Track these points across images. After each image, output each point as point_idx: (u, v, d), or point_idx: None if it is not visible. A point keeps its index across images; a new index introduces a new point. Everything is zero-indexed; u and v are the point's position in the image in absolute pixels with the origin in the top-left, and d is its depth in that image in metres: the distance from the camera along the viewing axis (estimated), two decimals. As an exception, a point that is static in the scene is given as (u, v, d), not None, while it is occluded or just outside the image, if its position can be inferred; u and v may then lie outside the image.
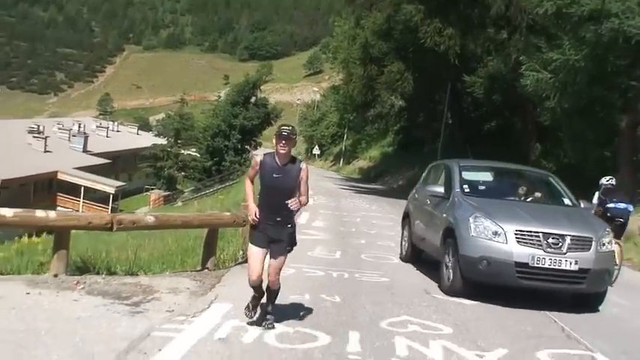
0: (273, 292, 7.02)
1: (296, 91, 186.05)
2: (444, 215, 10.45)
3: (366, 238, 16.32)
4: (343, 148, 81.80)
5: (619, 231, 12.85)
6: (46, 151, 62.87)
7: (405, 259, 12.72)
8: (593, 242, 9.12)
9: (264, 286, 6.97)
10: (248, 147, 66.27)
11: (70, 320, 6.70)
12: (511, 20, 29.69)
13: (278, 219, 6.72)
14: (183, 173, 67.60)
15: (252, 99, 68.40)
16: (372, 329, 7.25)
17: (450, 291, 9.55)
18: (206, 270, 10.11)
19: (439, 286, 9.97)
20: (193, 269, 10.35)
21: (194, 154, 69.34)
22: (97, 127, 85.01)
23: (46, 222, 8.60)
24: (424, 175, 13.61)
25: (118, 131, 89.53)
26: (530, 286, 9.06)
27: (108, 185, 60.50)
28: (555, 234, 9.02)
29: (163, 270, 10.21)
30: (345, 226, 18.78)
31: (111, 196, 59.58)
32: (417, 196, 13.13)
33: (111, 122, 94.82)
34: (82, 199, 58.00)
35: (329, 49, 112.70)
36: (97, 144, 72.99)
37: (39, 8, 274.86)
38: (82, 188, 58.65)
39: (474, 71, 33.18)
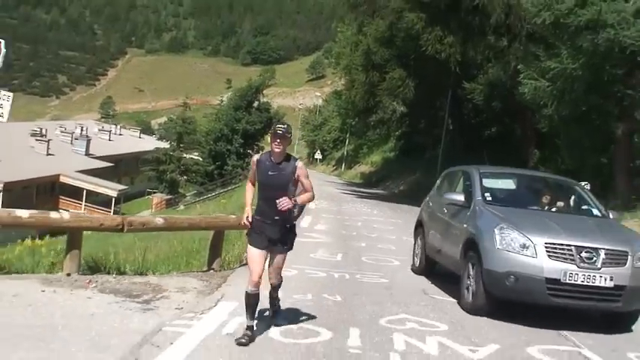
0: (275, 288, 7.33)
1: (298, 95, 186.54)
2: (465, 226, 9.64)
3: (367, 241, 16.63)
4: (345, 153, 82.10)
5: None
6: (48, 154, 63.16)
7: (417, 271, 11.95)
8: (629, 257, 8.41)
9: (264, 292, 7.04)
10: (250, 151, 66.61)
11: (84, 316, 7.07)
12: (511, 28, 30.03)
13: (276, 218, 6.72)
14: (185, 177, 68.01)
15: (255, 103, 68.88)
16: (371, 326, 7.61)
17: (472, 309, 8.79)
18: (212, 270, 10.49)
19: (458, 303, 9.28)
20: (199, 270, 10.73)
21: (196, 158, 69.77)
22: (99, 130, 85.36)
23: (60, 223, 9.00)
24: (438, 182, 12.82)
25: (120, 135, 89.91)
26: (561, 305, 8.37)
27: (110, 189, 60.78)
28: (589, 247, 8.31)
29: (170, 270, 10.59)
30: (346, 229, 19.13)
31: (113, 199, 59.88)
32: (431, 204, 12.33)
33: (113, 126, 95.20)
34: (84, 203, 58.30)
35: (331, 55, 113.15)
36: (100, 147, 73.28)
37: (41, 11, 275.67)
38: (85, 191, 58.93)
39: (474, 78, 33.56)
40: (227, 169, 64.82)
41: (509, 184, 11.13)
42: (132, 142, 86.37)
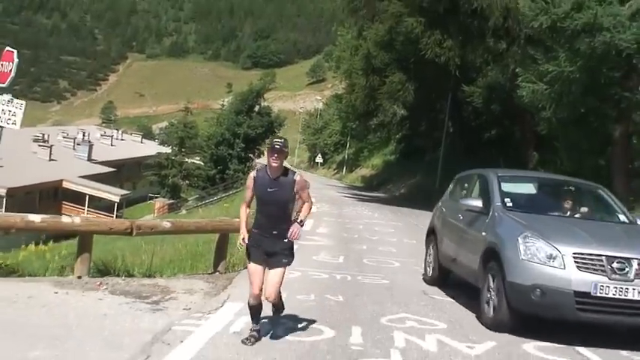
0: (277, 308, 7.17)
1: (299, 99, 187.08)
2: (483, 234, 9.00)
3: (368, 244, 16.90)
4: (346, 156, 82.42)
5: None
6: (50, 160, 63.46)
7: (430, 280, 11.31)
8: None
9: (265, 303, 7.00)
10: (252, 155, 66.99)
11: (97, 316, 7.37)
12: (509, 31, 30.28)
13: (274, 232, 6.70)
14: (187, 181, 68.24)
15: (256, 107, 69.12)
16: (372, 324, 7.89)
17: (493, 324, 8.17)
18: (217, 273, 10.78)
19: (477, 317, 8.68)
20: (205, 272, 11.02)
21: (198, 162, 70.02)
22: (101, 135, 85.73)
23: (71, 227, 9.30)
24: (451, 187, 12.19)
25: (122, 140, 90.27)
26: (590, 320, 7.76)
27: (112, 194, 60.99)
28: (620, 257, 7.71)
29: (177, 273, 10.87)
30: (348, 232, 19.41)
31: (116, 204, 60.11)
32: (444, 210, 11.64)
33: (115, 131, 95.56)
34: (87, 208, 58.55)
35: (332, 58, 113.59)
36: (102, 152, 73.56)
37: (42, 16, 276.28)
38: (87, 197, 59.19)
39: (474, 81, 33.84)
40: (229, 173, 65.05)
41: (529, 188, 10.51)
42: (134, 147, 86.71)
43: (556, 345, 7.64)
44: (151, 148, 79.12)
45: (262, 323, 7.01)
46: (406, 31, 32.03)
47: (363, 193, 47.44)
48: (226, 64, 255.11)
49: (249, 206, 7.01)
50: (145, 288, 9.01)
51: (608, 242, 8.07)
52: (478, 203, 9.57)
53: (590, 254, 7.73)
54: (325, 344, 6.88)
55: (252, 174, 6.88)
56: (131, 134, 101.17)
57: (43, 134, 70.87)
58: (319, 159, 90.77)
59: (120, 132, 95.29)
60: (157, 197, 66.42)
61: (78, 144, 71.95)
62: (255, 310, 6.82)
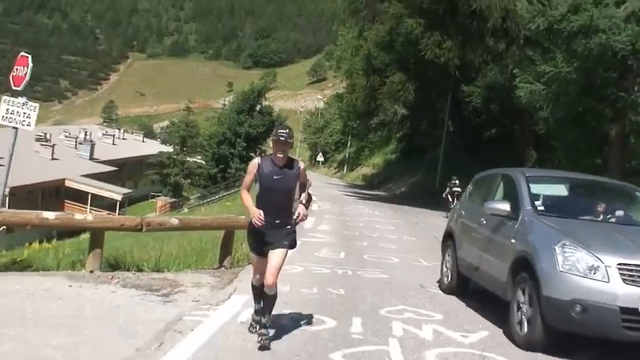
0: (269, 299, 6.80)
1: (300, 98, 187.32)
2: (512, 241, 8.15)
3: (369, 240, 17.31)
4: (347, 155, 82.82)
5: None
6: (53, 159, 63.75)
7: (447, 289, 10.49)
8: None
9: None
10: (253, 154, 67.25)
11: (111, 307, 7.77)
12: (508, 32, 30.69)
13: (277, 221, 6.70)
14: (188, 180, 68.61)
15: (257, 107, 69.49)
16: (372, 315, 8.29)
17: (526, 343, 7.41)
18: (223, 268, 11.19)
19: (505, 333, 8.04)
20: (211, 267, 11.43)
21: (200, 161, 70.39)
22: (103, 134, 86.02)
23: (83, 224, 9.73)
24: (469, 188, 11.35)
25: (123, 139, 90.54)
26: (638, 339, 6.94)
27: (115, 192, 61.26)
28: None
29: (184, 268, 11.29)
30: (349, 230, 19.84)
31: (118, 203, 60.43)
32: (463, 213, 10.84)
33: (117, 130, 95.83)
34: (89, 206, 58.85)
35: (333, 57, 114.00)
36: (104, 151, 73.87)
37: (43, 15, 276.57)
38: (90, 195, 59.50)
39: (473, 81, 34.21)
40: (230, 172, 65.44)
41: (559, 190, 9.49)
42: (135, 146, 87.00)
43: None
44: (153, 147, 79.51)
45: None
46: (406, 32, 32.47)
47: (364, 191, 47.84)
48: (227, 64, 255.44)
49: (248, 190, 6.97)
50: (155, 281, 9.41)
51: None
52: (505, 207, 8.60)
53: (637, 265, 6.93)
54: (327, 333, 7.28)
55: (257, 160, 6.84)
56: (132, 133, 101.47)
57: (45, 133, 71.13)
58: (320, 158, 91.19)
59: (122, 131, 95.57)
60: (158, 196, 66.75)
61: (80, 143, 72.20)
62: (258, 290, 6.98)
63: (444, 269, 10.90)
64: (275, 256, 6.71)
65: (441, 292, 10.54)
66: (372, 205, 33.23)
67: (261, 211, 6.66)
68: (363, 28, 41.81)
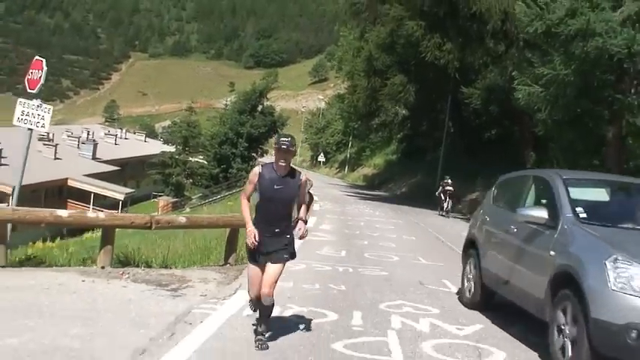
0: (265, 308, 6.75)
1: (301, 98, 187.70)
2: (552, 253, 7.17)
3: (369, 239, 17.71)
4: (348, 155, 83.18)
5: None
6: (56, 159, 64.05)
7: (469, 303, 9.53)
8: None
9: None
10: (255, 154, 67.65)
11: (123, 301, 8.16)
12: (508, 34, 31.03)
13: (276, 230, 6.65)
14: (190, 180, 68.98)
15: (259, 107, 69.82)
16: (372, 310, 8.68)
17: None
18: (228, 265, 11.58)
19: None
20: (216, 264, 11.82)
21: (201, 161, 70.74)
22: (105, 134, 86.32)
23: (95, 222, 10.13)
24: (494, 191, 10.24)
25: (125, 139, 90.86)
26: None
27: (117, 192, 61.60)
28: None
29: (190, 265, 11.68)
30: (349, 229, 20.25)
31: (120, 202, 60.76)
32: (487, 219, 9.72)
33: (119, 130, 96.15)
34: (92, 206, 59.15)
35: (334, 58, 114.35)
36: (106, 151, 74.21)
37: (45, 15, 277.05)
38: (92, 195, 59.83)
39: (473, 83, 34.56)
40: (232, 172, 65.76)
41: (599, 194, 8.38)
42: (137, 145, 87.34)
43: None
44: (155, 147, 79.84)
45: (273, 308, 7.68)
46: (407, 34, 32.84)
47: (365, 191, 48.21)
48: (229, 64, 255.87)
49: (248, 200, 6.96)
50: (164, 277, 9.81)
51: None
52: (542, 214, 7.61)
53: None
54: (329, 325, 7.66)
55: (257, 169, 6.74)
56: (135, 133, 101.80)
57: (48, 133, 71.29)
58: (321, 158, 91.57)
59: (124, 131, 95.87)
60: (160, 195, 67.10)
61: (82, 143, 72.52)
62: (255, 302, 6.93)
63: (466, 281, 9.87)
64: (272, 269, 6.67)
65: (438, 288, 10.90)
66: (373, 205, 33.62)
67: (256, 234, 6.61)
68: (364, 30, 42.24)
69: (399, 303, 9.24)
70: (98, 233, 36.78)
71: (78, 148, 71.58)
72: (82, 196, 59.56)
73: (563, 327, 6.68)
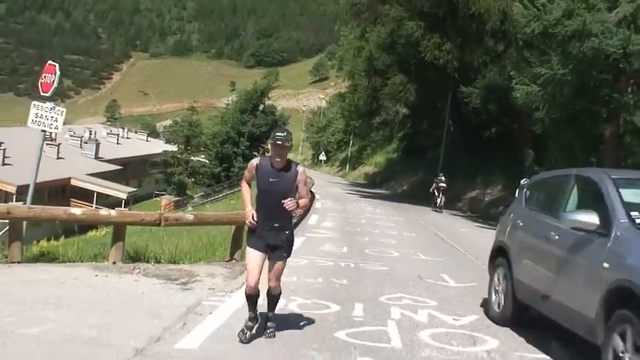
0: (273, 298, 7.07)
1: (302, 97, 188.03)
2: (605, 265, 6.16)
3: (370, 236, 18.11)
4: (349, 154, 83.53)
5: None
6: (58, 158, 64.41)
7: (499, 319, 8.46)
8: None
9: (262, 294, 7.04)
10: (256, 153, 68.00)
11: (136, 294, 8.57)
12: (506, 34, 31.42)
13: (275, 225, 6.71)
14: (192, 179, 69.40)
15: (261, 106, 70.23)
16: (372, 302, 9.08)
17: None
18: (234, 260, 11.98)
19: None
20: (222, 260, 12.22)
21: (203, 160, 71.15)
22: (107, 134, 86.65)
23: (107, 219, 10.55)
24: (526, 192, 9.11)
25: (127, 138, 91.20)
26: None
27: (120, 191, 61.98)
28: None
29: (197, 261, 12.09)
30: (351, 226, 20.67)
31: (123, 201, 61.11)
32: (520, 223, 8.60)
33: (121, 129, 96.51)
34: (94, 205, 59.50)
35: (335, 57, 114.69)
36: (108, 151, 74.57)
37: (46, 15, 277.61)
38: (95, 194, 60.25)
39: (472, 82, 34.93)
40: (234, 170, 66.14)
41: None
42: (139, 145, 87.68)
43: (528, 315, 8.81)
44: (157, 147, 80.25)
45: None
46: (407, 35, 33.25)
47: (366, 190, 48.63)
48: (230, 63, 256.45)
49: (249, 184, 7.09)
50: (173, 272, 10.22)
51: None
52: (592, 219, 6.56)
53: None
54: (332, 316, 8.06)
55: (255, 161, 6.85)
56: (136, 132, 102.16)
57: (50, 133, 71.60)
58: (322, 157, 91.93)
59: (126, 130, 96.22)
60: (162, 194, 67.50)
61: (85, 142, 72.84)
62: (250, 298, 6.90)
63: (494, 294, 8.86)
64: (277, 265, 6.89)
65: (436, 282, 11.28)
66: (374, 203, 34.02)
67: (254, 213, 6.76)
68: (364, 30, 42.64)
69: (398, 296, 9.63)
70: (102, 232, 37.27)
71: (80, 147, 71.91)
72: (85, 195, 59.95)
73: (621, 355, 5.60)
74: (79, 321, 6.99)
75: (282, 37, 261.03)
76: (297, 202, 6.76)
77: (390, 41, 36.24)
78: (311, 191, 28.38)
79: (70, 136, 74.70)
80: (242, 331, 6.73)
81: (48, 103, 11.63)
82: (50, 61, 11.80)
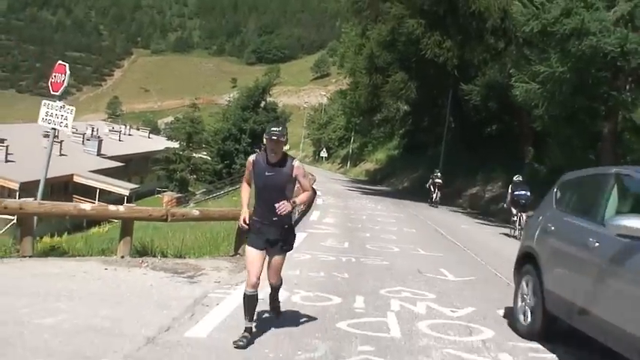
0: (276, 288, 7.27)
1: (303, 94, 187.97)
2: None
3: (371, 232, 18.43)
4: (350, 150, 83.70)
5: (523, 208, 20.33)
6: (61, 155, 64.60)
7: (526, 333, 7.68)
8: None
9: (262, 295, 6.99)
10: (257, 150, 68.19)
11: (144, 287, 8.88)
12: (507, 32, 31.67)
13: (274, 218, 6.68)
14: (194, 176, 69.70)
15: (262, 103, 70.51)
16: (373, 294, 9.38)
17: None
18: (238, 255, 12.27)
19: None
20: (226, 255, 12.53)
21: (205, 157, 71.44)
22: (109, 130, 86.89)
23: (116, 214, 10.86)
24: (556, 192, 8.26)
25: (129, 135, 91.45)
26: None
27: (122, 187, 62.27)
28: None
29: (202, 255, 12.40)
30: (352, 222, 20.98)
31: (125, 198, 61.36)
32: (552, 227, 7.72)
33: (123, 126, 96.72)
34: (97, 201, 59.73)
35: (336, 54, 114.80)
36: (110, 147, 74.85)
37: (47, 12, 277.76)
38: (98, 190, 60.52)
39: (473, 79, 35.18)
40: (235, 167, 66.47)
41: None
42: (141, 142, 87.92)
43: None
44: (158, 143, 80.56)
45: (283, 292, 8.10)
46: (408, 32, 33.52)
47: (367, 186, 48.88)
48: (231, 60, 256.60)
49: (249, 184, 7.04)
50: (179, 266, 10.55)
51: None
52: None
53: None
54: (334, 308, 8.36)
55: (252, 158, 6.91)
56: (138, 129, 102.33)
57: (53, 129, 71.85)
58: (324, 153, 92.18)
59: (127, 127, 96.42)
60: (164, 191, 67.79)
61: (87, 139, 73.11)
62: (250, 302, 6.76)
63: (520, 304, 8.04)
64: (275, 260, 6.89)
65: (435, 276, 11.57)
66: (375, 199, 34.32)
67: (247, 216, 6.81)
68: (365, 27, 42.84)
69: (398, 289, 9.93)
70: (105, 228, 37.57)
71: (83, 144, 72.15)
72: (88, 191, 60.19)
73: None
74: (91, 312, 7.29)
75: (283, 33, 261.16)
76: (294, 201, 6.78)
77: (390, 39, 36.49)
78: (312, 188, 28.69)
79: (73, 133, 74.79)
80: (240, 339, 6.48)
81: (58, 101, 11.94)
82: (60, 61, 12.11)
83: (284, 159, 6.70)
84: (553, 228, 7.64)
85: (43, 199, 11.68)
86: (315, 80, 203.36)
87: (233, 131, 67.59)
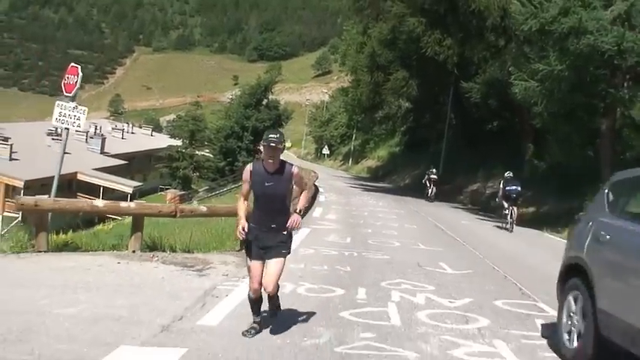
0: (274, 300, 7.07)
1: (305, 91, 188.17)
2: None
3: (373, 228, 18.86)
4: (352, 148, 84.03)
5: (514, 202, 21.72)
6: (65, 153, 64.94)
7: (572, 358, 6.55)
8: None
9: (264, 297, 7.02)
10: (260, 148, 68.53)
11: (157, 279, 9.31)
12: (507, 30, 31.99)
13: (273, 226, 6.67)
14: (197, 173, 70.07)
15: (264, 101, 70.84)
16: (374, 286, 9.80)
17: None
18: (243, 250, 12.67)
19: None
20: (233, 249, 12.94)
21: (208, 154, 71.79)
22: (112, 129, 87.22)
23: (127, 210, 11.30)
24: (608, 195, 7.04)
25: (132, 133, 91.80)
26: None
27: (125, 185, 62.60)
28: None
29: (209, 250, 12.82)
30: (354, 218, 21.42)
31: (129, 195, 61.70)
32: (608, 237, 6.40)
33: (125, 124, 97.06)
34: (101, 199, 59.98)
35: (338, 51, 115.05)
36: (113, 145, 75.19)
37: (49, 10, 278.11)
38: (101, 188, 60.88)
39: (473, 77, 35.51)
40: (238, 165, 66.73)
41: None
42: (144, 140, 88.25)
43: (521, 302, 9.53)
44: (161, 141, 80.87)
45: (288, 284, 8.76)
46: (408, 31, 33.88)
47: (369, 183, 49.21)
48: (232, 57, 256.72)
49: (246, 199, 6.94)
50: (188, 260, 10.98)
51: None
52: None
53: None
54: (337, 298, 8.78)
55: (249, 167, 6.78)
56: (141, 127, 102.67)
57: (56, 128, 72.12)
58: (326, 151, 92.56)
59: (130, 125, 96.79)
60: (167, 189, 68.10)
61: (91, 137, 73.47)
62: (254, 302, 6.92)
63: (566, 323, 6.87)
64: (272, 265, 6.72)
65: (434, 269, 11.96)
66: (377, 196, 34.71)
67: (245, 226, 6.72)
68: (367, 26, 43.16)
69: (398, 281, 10.35)
70: (110, 226, 37.95)
71: (86, 142, 72.44)
72: (91, 189, 60.44)
73: None
74: (108, 302, 7.70)
75: (284, 30, 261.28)
76: (300, 209, 6.88)
77: (391, 37, 36.87)
78: (315, 185, 29.12)
79: (76, 131, 75.01)
80: (248, 330, 6.73)
81: (71, 102, 12.36)
82: (73, 64, 12.51)
83: (282, 166, 6.64)
84: (608, 237, 6.37)
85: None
86: (316, 78, 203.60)
87: (235, 129, 67.92)
